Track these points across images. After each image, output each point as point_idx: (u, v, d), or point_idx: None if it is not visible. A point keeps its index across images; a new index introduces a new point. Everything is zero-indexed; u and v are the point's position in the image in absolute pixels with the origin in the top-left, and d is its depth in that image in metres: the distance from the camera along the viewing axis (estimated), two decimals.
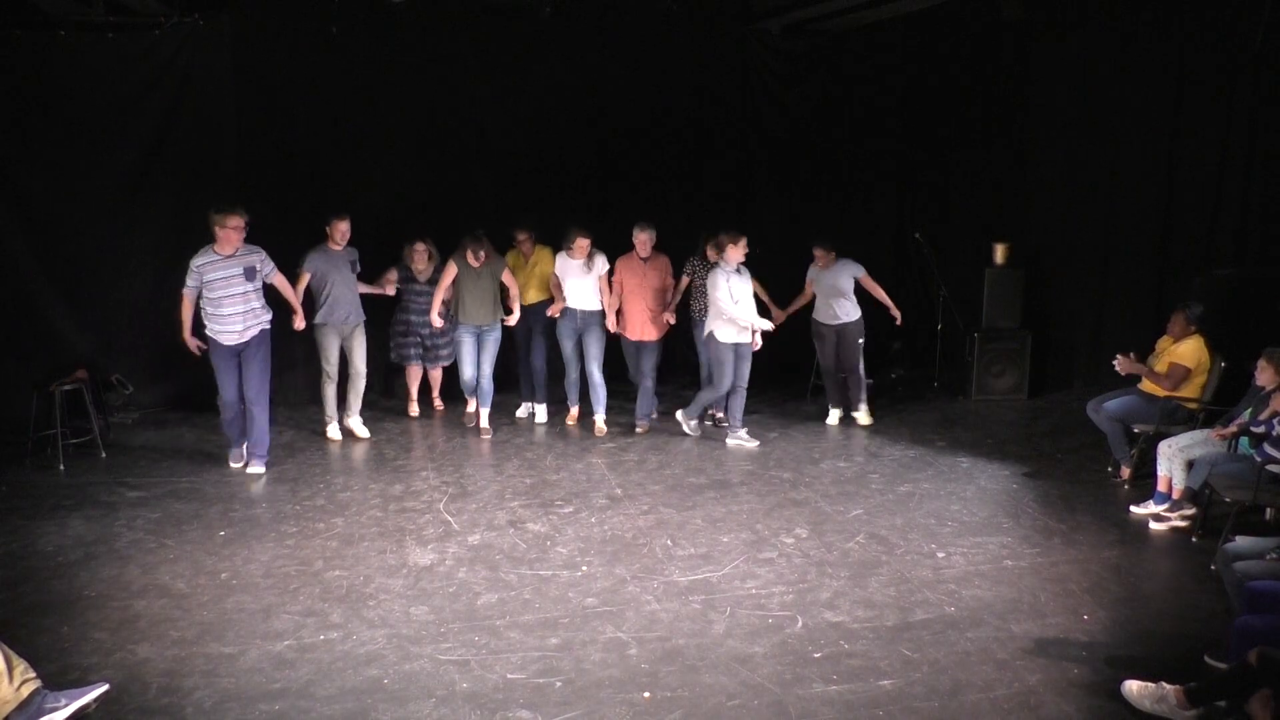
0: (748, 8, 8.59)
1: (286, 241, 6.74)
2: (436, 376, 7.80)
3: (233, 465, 6.45)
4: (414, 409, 7.72)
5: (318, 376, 7.13)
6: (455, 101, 8.21)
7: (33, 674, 3.48)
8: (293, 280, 6.55)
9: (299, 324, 6.53)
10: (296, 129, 7.83)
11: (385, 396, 8.16)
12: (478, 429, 7.29)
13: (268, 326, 6.25)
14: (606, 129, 8.62)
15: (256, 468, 6.33)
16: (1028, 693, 3.72)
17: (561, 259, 7.20)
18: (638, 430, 7.33)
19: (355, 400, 7.16)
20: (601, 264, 7.16)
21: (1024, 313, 8.38)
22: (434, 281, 7.17)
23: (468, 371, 7.17)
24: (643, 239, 7.15)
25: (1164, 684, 3.58)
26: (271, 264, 6.25)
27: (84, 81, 7.26)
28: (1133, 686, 3.63)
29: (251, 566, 4.91)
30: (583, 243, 7.06)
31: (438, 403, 7.92)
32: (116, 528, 5.43)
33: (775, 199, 9.28)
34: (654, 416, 7.54)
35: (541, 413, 7.61)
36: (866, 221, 9.41)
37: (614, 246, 7.34)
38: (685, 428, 7.22)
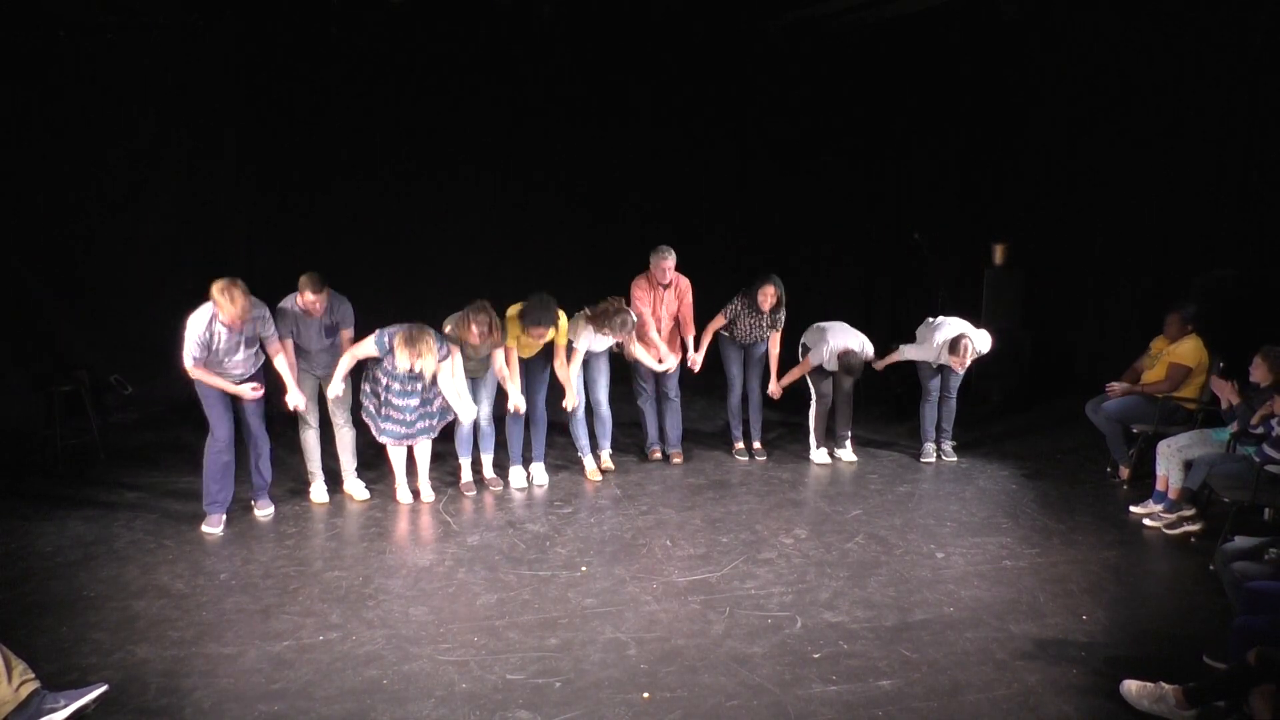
0: (747, 8, 8.59)
1: (285, 243, 6.75)
2: (424, 455, 5.99)
3: (210, 530, 5.36)
4: (402, 492, 5.93)
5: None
6: (455, 101, 8.21)
7: (31, 674, 3.47)
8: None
9: (291, 403, 5.56)
10: (296, 129, 7.84)
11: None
12: (482, 480, 6.21)
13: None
14: (606, 130, 8.63)
15: (265, 509, 5.65)
16: (1027, 693, 3.72)
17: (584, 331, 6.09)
18: (674, 461, 6.74)
19: (348, 458, 5.99)
20: None
21: (1024, 313, 8.38)
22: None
23: (466, 415, 5.92)
24: (664, 266, 6.37)
25: (1163, 684, 3.58)
26: (272, 328, 5.41)
27: (84, 81, 7.26)
28: (1132, 686, 3.63)
29: (251, 567, 4.90)
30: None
31: (424, 488, 5.98)
32: (115, 528, 5.42)
33: (773, 200, 9.29)
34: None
35: (540, 473, 6.32)
36: (866, 221, 9.43)
37: (613, 248, 7.34)
38: (942, 455, 6.81)
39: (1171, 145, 7.43)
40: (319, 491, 5.91)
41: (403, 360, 5.42)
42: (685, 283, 6.63)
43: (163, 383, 7.81)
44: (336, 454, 5.97)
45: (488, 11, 8.06)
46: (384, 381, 5.68)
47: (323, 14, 7.47)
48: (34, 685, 3.45)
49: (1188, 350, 6.01)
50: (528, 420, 6.27)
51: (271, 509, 5.69)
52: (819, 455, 6.83)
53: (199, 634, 4.18)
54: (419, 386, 5.72)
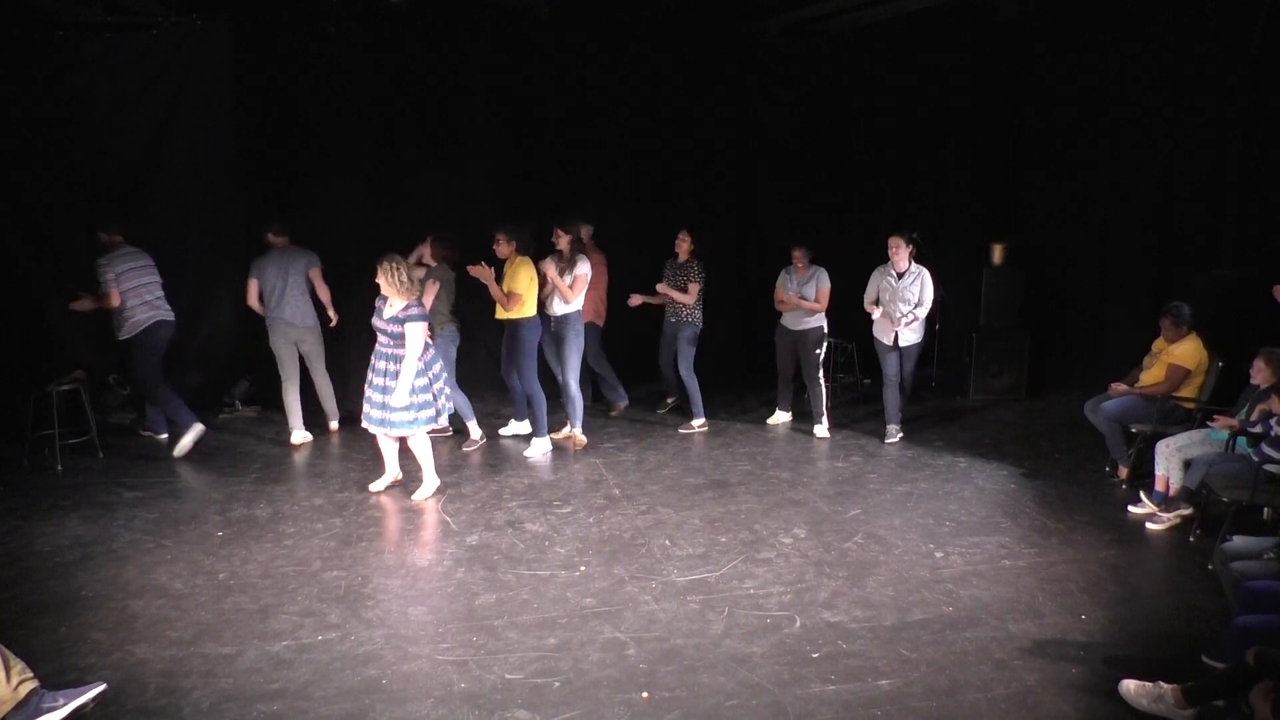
0: (747, 8, 8.60)
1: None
2: (424, 452, 6.02)
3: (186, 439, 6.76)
4: (376, 483, 6.05)
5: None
6: (454, 101, 8.21)
7: (30, 674, 3.48)
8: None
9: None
10: (296, 129, 7.83)
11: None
12: (465, 434, 6.95)
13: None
14: (605, 130, 8.62)
15: (157, 433, 7.01)
16: (1025, 692, 3.72)
17: (547, 263, 6.63)
18: (612, 414, 7.78)
19: (331, 405, 7.08)
20: (583, 266, 6.62)
21: (1022, 313, 8.38)
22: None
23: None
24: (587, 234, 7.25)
25: (1161, 683, 3.59)
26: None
27: (83, 81, 7.26)
28: (1130, 686, 3.64)
29: (249, 567, 4.90)
30: (559, 233, 6.60)
31: (427, 486, 5.98)
32: (114, 528, 5.42)
33: (774, 200, 9.29)
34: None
35: (535, 449, 6.79)
36: (865, 221, 9.42)
37: (612, 249, 7.36)
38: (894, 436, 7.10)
39: (1171, 145, 7.43)
40: (297, 435, 6.84)
41: (387, 290, 5.59)
42: (597, 255, 7.33)
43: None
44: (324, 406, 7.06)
45: (487, 11, 8.06)
46: (379, 366, 5.75)
47: (322, 13, 7.48)
48: (32, 684, 3.45)
49: (1187, 351, 6.00)
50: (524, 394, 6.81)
51: (164, 435, 6.94)
52: (820, 430, 7.32)
53: (197, 634, 4.18)
54: (391, 368, 5.67)
